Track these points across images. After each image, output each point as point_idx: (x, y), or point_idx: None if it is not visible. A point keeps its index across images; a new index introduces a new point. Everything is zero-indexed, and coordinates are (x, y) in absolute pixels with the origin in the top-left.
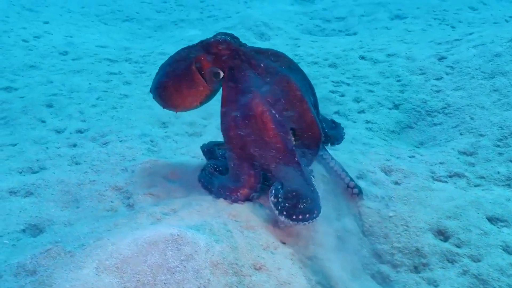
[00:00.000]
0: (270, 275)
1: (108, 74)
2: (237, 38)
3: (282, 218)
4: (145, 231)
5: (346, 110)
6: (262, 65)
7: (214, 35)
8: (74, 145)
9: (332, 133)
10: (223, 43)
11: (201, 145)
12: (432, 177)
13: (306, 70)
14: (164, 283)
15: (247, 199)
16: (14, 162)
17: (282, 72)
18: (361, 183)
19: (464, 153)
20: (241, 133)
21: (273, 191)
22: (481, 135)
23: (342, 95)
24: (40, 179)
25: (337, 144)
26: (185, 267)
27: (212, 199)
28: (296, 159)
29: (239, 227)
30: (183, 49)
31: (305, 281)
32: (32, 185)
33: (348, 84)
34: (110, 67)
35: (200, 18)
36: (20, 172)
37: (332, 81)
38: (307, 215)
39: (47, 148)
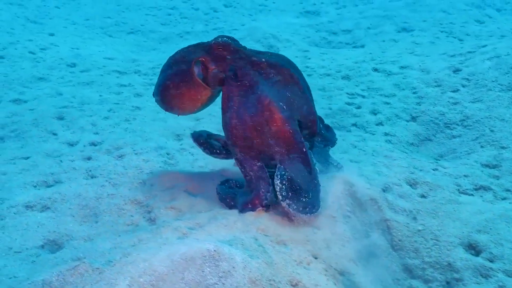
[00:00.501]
0: None
1: (119, 86)
2: (236, 41)
3: (284, 204)
4: (179, 246)
5: (364, 122)
6: (263, 60)
7: (215, 38)
8: (89, 158)
9: (326, 135)
10: (224, 44)
11: (192, 132)
12: (458, 190)
13: (319, 82)
14: None
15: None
16: (28, 176)
17: (284, 66)
18: (388, 196)
19: (487, 165)
20: (245, 127)
21: (278, 176)
22: (503, 147)
23: (359, 107)
24: (57, 193)
25: (331, 147)
26: (223, 284)
27: (237, 213)
28: (304, 150)
29: (269, 241)
30: (182, 49)
31: None
32: (48, 199)
33: (363, 96)
34: (119, 79)
35: (205, 30)
36: (35, 186)
37: (347, 93)
38: (308, 208)
39: (61, 161)
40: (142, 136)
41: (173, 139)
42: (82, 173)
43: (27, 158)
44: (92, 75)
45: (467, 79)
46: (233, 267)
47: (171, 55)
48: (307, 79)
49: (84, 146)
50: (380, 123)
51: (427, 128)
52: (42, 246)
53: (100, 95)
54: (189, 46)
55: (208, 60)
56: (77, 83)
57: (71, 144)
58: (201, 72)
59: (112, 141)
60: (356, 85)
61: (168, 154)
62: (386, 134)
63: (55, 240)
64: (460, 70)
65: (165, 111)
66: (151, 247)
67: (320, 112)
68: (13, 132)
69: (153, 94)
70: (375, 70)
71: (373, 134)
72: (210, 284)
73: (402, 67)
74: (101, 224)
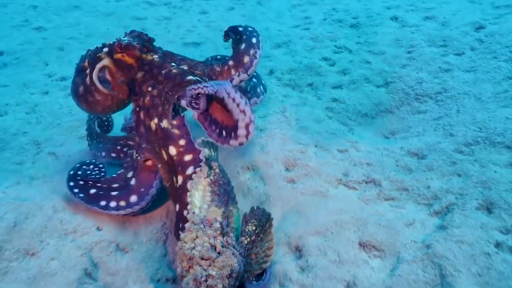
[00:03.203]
0: None
1: (134, 19)
2: (150, 40)
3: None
4: None
5: (322, 83)
6: (162, 72)
7: (124, 36)
8: (46, 93)
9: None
10: (128, 48)
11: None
12: (340, 180)
13: (320, 29)
14: None
15: None
16: None
17: (178, 78)
18: (248, 175)
19: (415, 154)
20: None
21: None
22: (451, 134)
23: (332, 64)
24: None
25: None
26: None
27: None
28: None
29: None
30: (88, 52)
31: None
32: None
33: (350, 51)
34: (143, 11)
35: None
36: None
37: (335, 46)
38: None
39: (23, 93)
40: None
41: None
42: (27, 107)
43: (6, 86)
44: (121, 5)
45: (481, 40)
46: None
47: (80, 57)
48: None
49: (53, 80)
50: (339, 86)
51: (394, 98)
52: None
53: (108, 28)
54: (96, 48)
55: (111, 68)
56: (102, 13)
57: (49, 76)
58: (108, 79)
59: None
60: (358, 36)
61: None
62: (334, 100)
63: None
64: (484, 28)
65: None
66: None
67: (287, 66)
68: (16, 59)
69: None
70: (395, 19)
71: (319, 99)
72: None
73: (426, 18)
74: (0, 158)
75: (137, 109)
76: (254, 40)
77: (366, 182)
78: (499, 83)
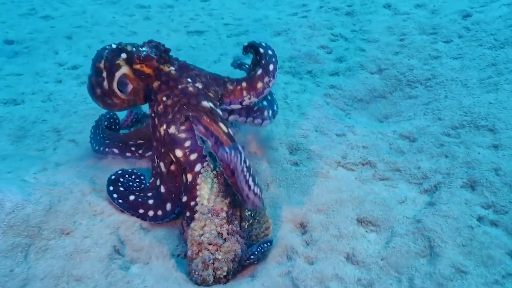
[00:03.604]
0: None
1: (137, 7)
2: (167, 51)
3: None
4: None
5: (320, 70)
6: (179, 87)
7: (141, 46)
8: (60, 81)
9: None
10: (146, 59)
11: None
12: (339, 162)
13: (317, 17)
14: None
15: None
16: (6, 93)
17: (194, 99)
18: (255, 160)
19: (407, 137)
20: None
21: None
22: (439, 118)
23: (329, 52)
24: (9, 113)
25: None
26: None
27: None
28: None
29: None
30: (106, 56)
31: None
32: (1, 117)
33: (346, 39)
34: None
35: None
36: (5, 103)
37: (332, 34)
38: None
39: (38, 81)
40: None
41: None
42: (43, 95)
43: (20, 75)
44: None
45: (468, 28)
46: None
47: (96, 55)
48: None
49: (64, 69)
50: (336, 73)
51: (387, 84)
52: None
53: (114, 17)
54: (112, 51)
55: (130, 76)
56: (106, 1)
57: (60, 65)
58: (126, 82)
59: (89, 66)
60: (353, 24)
61: None
62: (331, 86)
63: None
64: (471, 16)
65: None
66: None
67: (287, 54)
68: (27, 48)
69: None
70: (388, 6)
71: (318, 86)
72: None
73: (417, 6)
74: (22, 146)
75: (152, 115)
76: (271, 67)
77: (363, 164)
78: (484, 69)
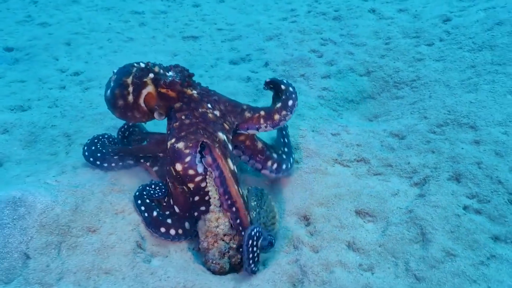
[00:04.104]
0: None
1: (132, 14)
2: (189, 76)
3: None
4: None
5: (312, 74)
6: (200, 110)
7: (168, 70)
8: (64, 87)
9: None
10: (171, 85)
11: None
12: (336, 160)
13: (307, 22)
14: None
15: None
16: (12, 100)
17: (211, 126)
18: None
19: (396, 135)
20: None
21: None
22: (425, 117)
23: (320, 56)
24: (18, 119)
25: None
26: (15, 225)
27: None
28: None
29: (99, 191)
30: (134, 73)
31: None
32: (10, 123)
33: (335, 43)
34: (139, 5)
35: None
36: (12, 110)
37: (322, 38)
38: None
39: (42, 88)
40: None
41: None
42: (49, 101)
43: (23, 81)
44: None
45: (448, 32)
46: (29, 212)
47: (123, 69)
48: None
49: (67, 75)
50: (327, 76)
51: (375, 85)
52: None
53: (109, 23)
54: (141, 69)
55: (153, 96)
56: (101, 8)
57: (62, 71)
58: (147, 101)
59: (91, 72)
60: (341, 28)
61: None
62: (324, 89)
63: None
64: (450, 20)
65: None
66: (11, 184)
67: (281, 58)
68: (27, 55)
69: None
70: (372, 11)
71: (311, 88)
72: (4, 223)
73: (400, 10)
74: (34, 150)
75: (168, 132)
76: (290, 103)
77: (357, 161)
78: (464, 71)
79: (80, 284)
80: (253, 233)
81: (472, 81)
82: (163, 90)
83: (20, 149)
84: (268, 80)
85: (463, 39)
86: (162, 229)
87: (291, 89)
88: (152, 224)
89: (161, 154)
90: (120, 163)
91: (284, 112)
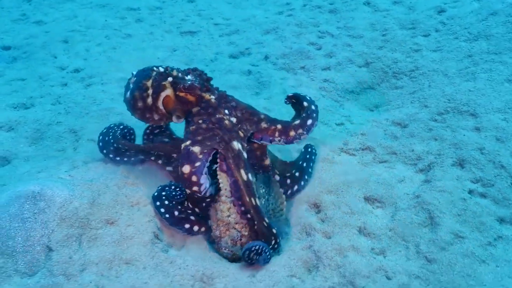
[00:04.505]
0: None
1: (127, 10)
2: (207, 80)
3: None
4: (19, 185)
5: (312, 66)
6: (217, 116)
7: (186, 74)
8: (65, 84)
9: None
10: (190, 89)
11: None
12: (342, 148)
13: (303, 15)
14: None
15: None
16: (14, 98)
17: (227, 134)
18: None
19: (399, 124)
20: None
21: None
22: (426, 106)
23: (319, 48)
24: (23, 116)
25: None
26: (35, 218)
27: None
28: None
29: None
30: (154, 76)
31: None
32: (15, 121)
33: (332, 36)
34: (134, 1)
35: None
36: (15, 108)
37: (319, 31)
38: None
39: (43, 85)
40: (117, 66)
41: None
42: (52, 98)
43: (24, 79)
44: None
45: (444, 23)
46: (49, 206)
47: (143, 72)
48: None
49: (67, 72)
50: (327, 68)
51: (375, 76)
52: None
53: (106, 20)
54: (161, 74)
55: (172, 99)
56: (95, 5)
57: (62, 69)
58: (165, 104)
59: (91, 69)
60: (337, 21)
61: None
62: (325, 80)
63: (6, 157)
64: (445, 11)
65: None
66: (24, 180)
67: (280, 51)
68: (25, 53)
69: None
70: (367, 3)
71: (312, 80)
72: (25, 217)
73: (395, 2)
74: (41, 147)
75: (185, 134)
76: (309, 122)
77: (362, 149)
78: (461, 60)
79: (103, 275)
80: (253, 248)
81: (469, 70)
82: (182, 94)
83: (27, 146)
84: (290, 94)
85: (459, 30)
86: (187, 225)
87: (313, 107)
88: (176, 223)
89: (175, 155)
90: (132, 158)
91: (300, 131)
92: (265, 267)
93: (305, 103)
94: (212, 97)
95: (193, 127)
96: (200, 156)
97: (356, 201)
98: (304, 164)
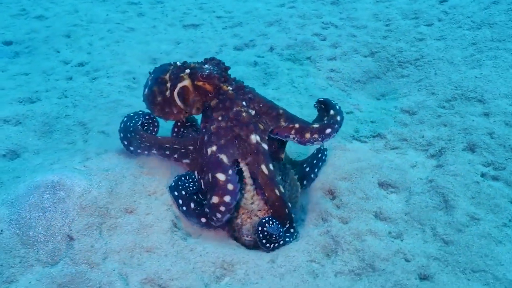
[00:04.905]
0: None
1: (128, 4)
2: (226, 69)
3: None
4: (38, 174)
5: (318, 56)
6: (234, 109)
7: (203, 63)
8: (70, 78)
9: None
10: (209, 78)
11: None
12: (353, 136)
13: (305, 7)
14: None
15: None
16: (19, 92)
17: (244, 129)
18: None
19: (407, 111)
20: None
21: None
22: (433, 93)
23: (324, 39)
24: (30, 110)
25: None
26: (55, 208)
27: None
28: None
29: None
30: (172, 70)
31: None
32: (22, 115)
33: (336, 27)
34: None
35: None
36: (21, 102)
37: (323, 22)
38: None
39: (48, 80)
40: (121, 59)
41: (148, 63)
42: (58, 92)
43: (28, 74)
44: None
45: (446, 12)
46: (68, 195)
47: (160, 68)
48: None
49: (72, 66)
50: (333, 58)
51: (380, 65)
52: (4, 155)
53: (107, 14)
54: (178, 67)
55: (190, 90)
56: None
57: (66, 63)
58: (183, 96)
59: (96, 62)
60: (340, 12)
61: (134, 78)
62: (331, 70)
63: (15, 150)
64: (447, 1)
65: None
66: (51, 169)
67: (285, 42)
68: (27, 48)
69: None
70: None
71: (319, 70)
72: (45, 207)
73: None
74: (51, 140)
75: (204, 130)
76: (328, 131)
77: (373, 136)
78: (466, 48)
79: (125, 263)
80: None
81: (475, 58)
82: (200, 83)
83: (36, 140)
84: (321, 99)
85: (462, 18)
86: (203, 220)
87: (339, 118)
88: (192, 216)
89: (191, 147)
90: (146, 152)
91: (316, 136)
92: (285, 253)
93: (332, 111)
94: (230, 88)
95: (214, 126)
96: (229, 164)
97: (371, 186)
98: (307, 169)
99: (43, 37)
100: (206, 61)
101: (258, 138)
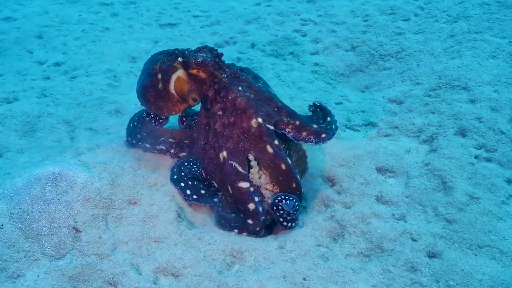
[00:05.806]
0: None
1: (101, 5)
2: (219, 56)
3: None
4: (36, 168)
5: (301, 51)
6: (229, 98)
7: (197, 51)
8: (48, 78)
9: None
10: (203, 64)
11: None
12: (346, 125)
13: (282, 5)
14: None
15: None
16: None
17: (244, 112)
18: None
19: (394, 101)
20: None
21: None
22: (418, 83)
23: (304, 35)
24: (9, 110)
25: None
26: (59, 200)
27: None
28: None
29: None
30: (162, 59)
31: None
32: (1, 115)
33: (315, 23)
34: None
35: None
36: None
37: (301, 19)
38: None
39: (25, 80)
40: (100, 58)
41: (127, 62)
42: (37, 92)
43: (1, 75)
44: None
45: (422, 7)
46: (71, 187)
47: (150, 59)
48: None
49: (48, 66)
50: (316, 53)
51: (362, 59)
52: None
53: (80, 15)
54: (169, 55)
55: (184, 79)
56: (66, 1)
57: (41, 63)
58: (178, 87)
59: (73, 62)
60: (316, 10)
61: (115, 76)
62: (315, 64)
63: None
64: None
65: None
66: (43, 164)
67: (266, 39)
68: None
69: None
70: None
71: (303, 64)
72: (48, 199)
73: None
74: (34, 139)
75: (207, 127)
76: (323, 135)
77: (365, 125)
78: (445, 40)
79: (134, 253)
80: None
81: (454, 49)
82: (194, 71)
83: (18, 139)
84: (317, 103)
85: (438, 13)
86: (216, 199)
87: (334, 126)
88: (205, 200)
89: (186, 141)
90: (139, 143)
91: (311, 137)
92: (293, 239)
93: (329, 118)
94: (224, 75)
95: (218, 124)
96: (245, 172)
97: (369, 172)
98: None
99: (14, 39)
100: (199, 49)
101: (260, 120)
